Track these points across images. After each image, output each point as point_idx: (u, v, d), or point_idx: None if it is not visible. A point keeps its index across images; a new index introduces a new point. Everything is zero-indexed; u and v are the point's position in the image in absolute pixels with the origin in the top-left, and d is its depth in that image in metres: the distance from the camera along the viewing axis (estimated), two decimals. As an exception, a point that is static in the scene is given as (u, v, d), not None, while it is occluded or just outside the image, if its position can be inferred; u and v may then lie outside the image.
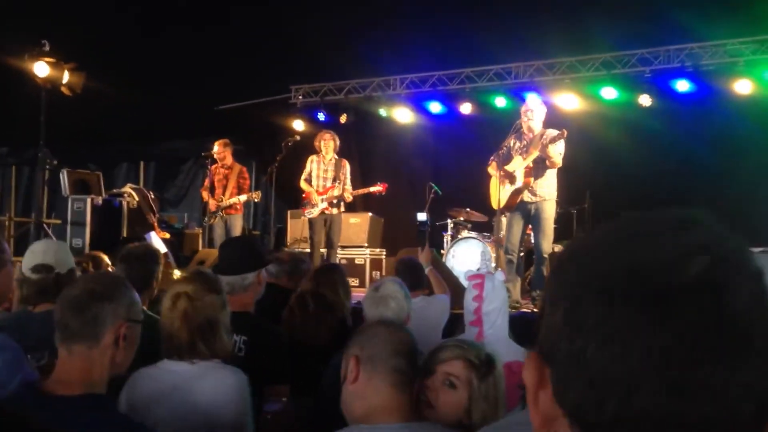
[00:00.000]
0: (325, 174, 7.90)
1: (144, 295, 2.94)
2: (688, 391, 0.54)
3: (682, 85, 8.40)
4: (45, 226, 8.26)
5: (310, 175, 7.94)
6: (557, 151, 6.26)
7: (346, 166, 7.94)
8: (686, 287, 0.55)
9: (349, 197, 7.88)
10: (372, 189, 8.17)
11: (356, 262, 9.17)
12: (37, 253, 2.82)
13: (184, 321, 2.28)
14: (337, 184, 7.80)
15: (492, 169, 6.68)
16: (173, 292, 2.36)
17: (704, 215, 0.62)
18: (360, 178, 10.61)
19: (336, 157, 7.95)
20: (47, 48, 8.26)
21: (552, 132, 6.34)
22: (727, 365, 0.54)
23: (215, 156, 8.35)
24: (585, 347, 0.56)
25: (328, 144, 7.87)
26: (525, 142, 6.46)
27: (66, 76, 8.46)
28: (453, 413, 1.91)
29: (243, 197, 8.19)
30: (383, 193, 8.16)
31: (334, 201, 7.80)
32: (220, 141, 8.45)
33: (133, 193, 8.83)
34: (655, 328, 0.54)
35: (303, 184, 7.96)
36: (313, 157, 7.99)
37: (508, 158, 6.58)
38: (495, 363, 1.99)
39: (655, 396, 0.54)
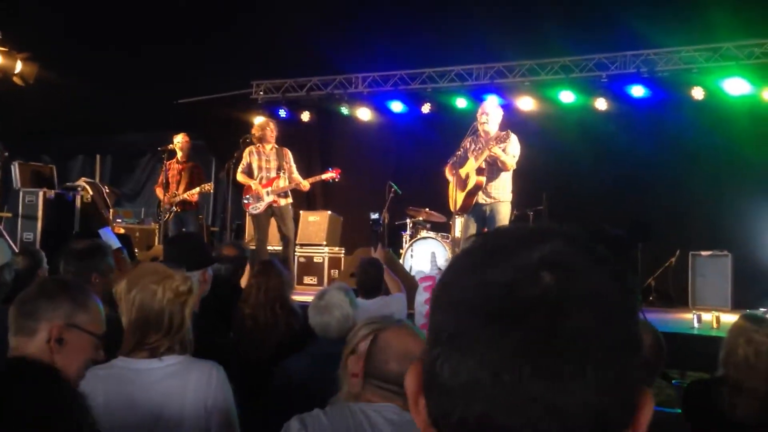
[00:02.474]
0: (267, 164, 7.43)
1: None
2: (521, 407, 0.56)
3: (638, 90, 8.56)
4: (-6, 219, 8.07)
5: (249, 167, 7.46)
6: (510, 153, 6.32)
7: (289, 154, 7.51)
8: (525, 305, 0.57)
9: (306, 185, 7.46)
10: (324, 176, 7.74)
11: (315, 260, 9.14)
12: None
13: (141, 315, 2.21)
14: (282, 174, 7.40)
15: (448, 172, 6.73)
16: (129, 285, 2.29)
17: (561, 228, 0.64)
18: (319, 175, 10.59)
19: (276, 145, 7.51)
20: (-1, 37, 8.07)
21: (501, 133, 6.41)
22: (560, 383, 0.55)
23: (177, 148, 8.23)
24: (436, 358, 0.60)
25: (268, 134, 7.42)
26: (480, 144, 6.52)
27: (18, 66, 8.27)
28: None
29: (195, 191, 8.08)
30: (337, 179, 7.75)
31: (283, 192, 7.41)
32: (182, 134, 8.34)
33: (88, 187, 8.65)
34: (494, 343, 0.57)
35: (240, 177, 7.46)
36: (251, 149, 7.49)
37: (464, 160, 6.63)
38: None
39: (492, 408, 0.56)
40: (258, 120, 8.02)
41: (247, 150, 7.55)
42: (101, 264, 3.22)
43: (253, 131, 7.62)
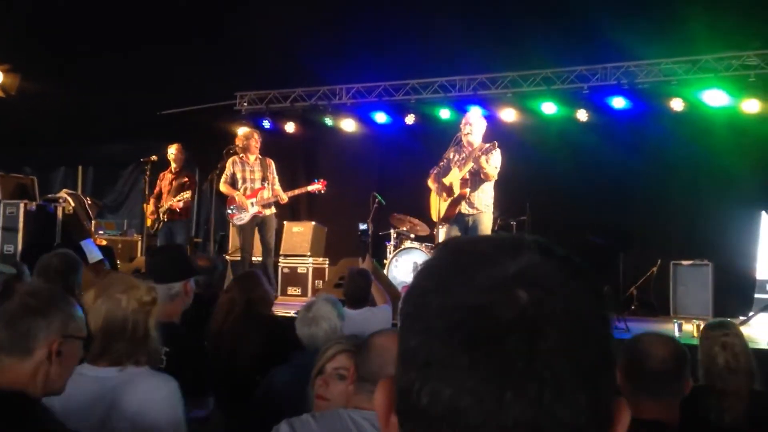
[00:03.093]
0: (251, 175, 7.46)
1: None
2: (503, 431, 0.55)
3: (618, 102, 8.65)
4: (-26, 231, 7.99)
5: (233, 177, 7.46)
6: (492, 164, 6.38)
7: (272, 165, 7.53)
8: (503, 329, 0.56)
9: (284, 198, 7.45)
10: (310, 188, 7.78)
11: (299, 271, 9.13)
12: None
13: (106, 323, 2.24)
14: (266, 185, 7.41)
15: (431, 182, 6.77)
16: (97, 294, 2.31)
17: (534, 240, 0.63)
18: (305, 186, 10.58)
19: (260, 156, 7.52)
20: (-20, 48, 8.03)
21: (486, 145, 6.47)
22: (541, 406, 0.55)
23: (170, 158, 8.19)
24: (412, 383, 0.59)
25: (252, 145, 7.43)
26: (464, 155, 6.57)
27: (0, 77, 8.23)
28: (345, 401, 2.07)
29: (176, 199, 8.03)
30: (322, 191, 7.80)
31: (267, 203, 7.42)
32: (176, 145, 8.31)
33: (69, 199, 8.59)
34: (473, 369, 0.56)
35: (224, 188, 7.46)
36: (235, 158, 7.50)
37: (447, 170, 6.68)
38: None
39: None
40: (242, 130, 8.00)
41: (230, 160, 7.53)
42: (76, 277, 3.22)
43: (237, 141, 7.61)
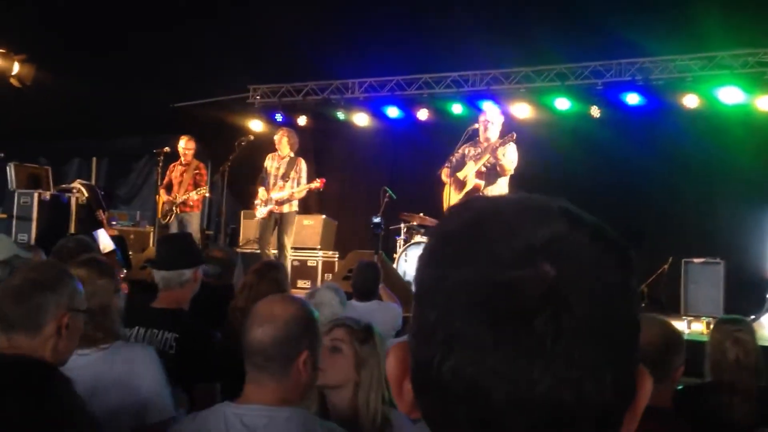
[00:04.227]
0: (277, 171, 7.73)
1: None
2: (529, 409, 0.55)
3: (632, 98, 8.60)
4: (-11, 220, 8.08)
5: (265, 172, 7.81)
6: (508, 158, 6.36)
7: (301, 164, 7.76)
8: (530, 305, 0.54)
9: (296, 195, 7.67)
10: (311, 186, 7.93)
11: (308, 264, 9.16)
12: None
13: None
14: (287, 183, 7.63)
15: (444, 176, 6.76)
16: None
17: (563, 206, 0.61)
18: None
19: (292, 155, 7.80)
20: (-4, 38, 8.09)
21: (503, 138, 6.46)
22: (568, 383, 0.54)
23: (181, 151, 8.25)
24: (432, 357, 0.57)
25: (281, 140, 7.75)
26: (479, 150, 6.55)
27: (16, 68, 8.30)
28: (342, 375, 2.12)
29: (192, 194, 8.10)
30: (321, 189, 7.97)
31: (283, 200, 7.62)
32: (186, 137, 8.36)
33: (83, 189, 8.67)
34: (499, 346, 0.54)
35: (258, 183, 7.85)
36: (272, 154, 7.87)
37: (461, 165, 6.67)
38: (373, 330, 2.23)
39: (499, 410, 0.55)
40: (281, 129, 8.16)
41: (269, 155, 7.87)
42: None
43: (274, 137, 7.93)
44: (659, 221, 8.60)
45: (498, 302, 0.55)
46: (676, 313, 7.64)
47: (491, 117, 6.67)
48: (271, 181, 7.71)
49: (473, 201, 0.64)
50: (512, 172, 6.49)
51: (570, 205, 0.62)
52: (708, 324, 5.95)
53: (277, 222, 7.65)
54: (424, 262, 0.61)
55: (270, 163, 7.80)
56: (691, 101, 8.37)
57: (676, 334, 2.27)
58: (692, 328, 6.09)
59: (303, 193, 7.80)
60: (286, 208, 7.63)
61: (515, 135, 6.43)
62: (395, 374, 0.63)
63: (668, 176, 8.64)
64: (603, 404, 0.56)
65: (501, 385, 0.54)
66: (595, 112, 8.78)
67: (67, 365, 2.17)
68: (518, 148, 6.62)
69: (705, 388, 2.78)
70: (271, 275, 3.66)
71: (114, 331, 2.32)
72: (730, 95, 8.14)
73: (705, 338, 5.50)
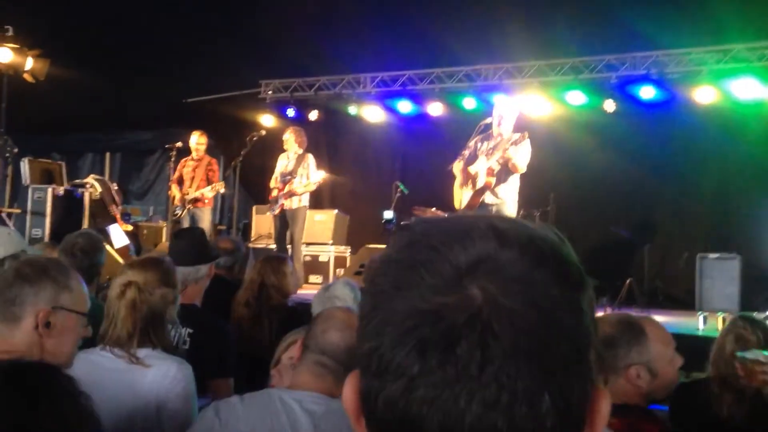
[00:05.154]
0: (285, 169, 7.84)
1: (90, 287, 2.90)
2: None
3: (647, 92, 8.50)
4: (3, 215, 8.13)
5: (277, 171, 7.92)
6: (521, 156, 6.30)
7: (307, 159, 7.83)
8: (455, 332, 0.53)
9: (300, 190, 7.70)
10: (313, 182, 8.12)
11: (320, 259, 9.16)
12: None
13: (131, 311, 2.26)
14: (296, 179, 7.71)
15: (456, 169, 6.72)
16: (124, 280, 2.32)
17: (492, 222, 0.59)
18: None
19: (300, 151, 7.86)
20: (10, 33, 8.13)
21: (516, 135, 6.40)
22: (497, 410, 0.53)
23: (193, 146, 8.27)
24: (369, 388, 0.57)
25: (288, 139, 7.86)
26: (492, 144, 6.50)
27: (29, 63, 8.33)
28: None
29: (207, 189, 8.11)
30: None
31: (292, 195, 7.71)
32: (198, 132, 8.38)
33: (96, 184, 8.70)
34: (426, 375, 0.54)
35: (272, 182, 7.96)
36: (284, 153, 7.97)
37: (473, 159, 6.62)
38: None
39: None
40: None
41: (281, 155, 7.99)
42: (101, 258, 3.25)
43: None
44: (674, 216, 8.53)
45: (423, 331, 0.54)
46: (691, 309, 7.57)
47: (505, 110, 6.60)
48: (280, 179, 7.81)
49: (413, 224, 0.63)
50: (524, 170, 6.43)
51: (500, 220, 0.59)
52: (724, 320, 5.89)
53: (288, 218, 7.72)
54: (364, 289, 0.61)
55: (280, 162, 7.93)
56: (706, 95, 8.27)
57: (631, 326, 2.17)
58: (708, 324, 6.03)
59: (312, 188, 7.82)
60: (295, 204, 7.69)
61: (527, 134, 6.37)
62: (352, 404, 0.62)
63: (683, 171, 8.56)
64: (544, 430, 0.53)
65: (433, 415, 0.53)
66: (609, 106, 8.70)
67: (96, 366, 2.16)
68: (531, 142, 6.56)
69: (699, 383, 2.77)
70: (275, 269, 3.66)
71: (158, 342, 2.29)
72: (747, 89, 8.05)
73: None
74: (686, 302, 7.86)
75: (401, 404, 0.54)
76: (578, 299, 0.57)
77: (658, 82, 8.48)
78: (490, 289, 0.54)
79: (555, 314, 0.55)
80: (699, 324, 6.01)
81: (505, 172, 6.40)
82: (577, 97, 8.92)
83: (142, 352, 2.23)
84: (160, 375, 2.19)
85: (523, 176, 6.64)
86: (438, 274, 0.55)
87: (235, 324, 3.46)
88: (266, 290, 3.51)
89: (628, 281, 7.57)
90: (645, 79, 8.48)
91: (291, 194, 7.69)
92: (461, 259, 0.56)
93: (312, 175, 7.78)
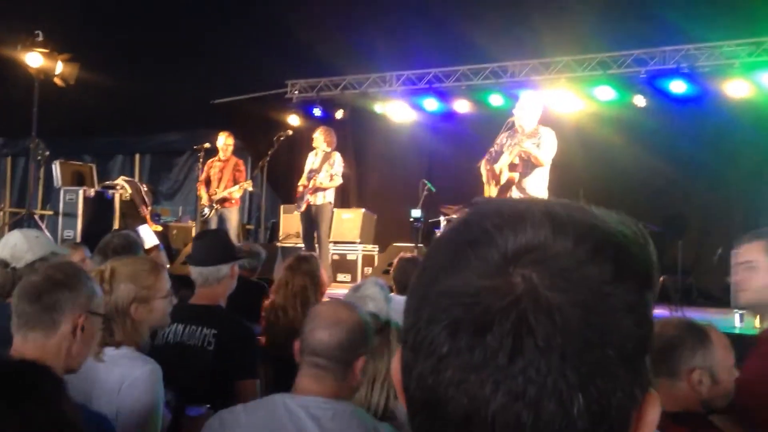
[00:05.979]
0: (312, 166, 7.90)
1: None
2: (485, 419, 0.52)
3: (678, 86, 8.35)
4: (36, 217, 8.27)
5: (305, 169, 7.98)
6: (543, 148, 6.20)
7: (333, 156, 7.85)
8: (490, 317, 0.52)
9: (326, 183, 7.74)
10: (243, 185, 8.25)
11: (348, 258, 9.15)
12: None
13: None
14: (320, 175, 7.75)
15: (482, 167, 6.66)
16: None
17: (552, 208, 0.56)
18: (355, 175, 10.60)
19: (328, 150, 7.90)
20: (41, 38, 8.25)
21: (533, 129, 6.32)
22: (522, 402, 0.51)
23: (221, 147, 8.34)
24: (405, 364, 0.57)
25: (317, 138, 7.90)
26: (516, 140, 6.43)
27: (60, 67, 8.46)
28: None
29: (235, 188, 8.16)
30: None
31: (317, 192, 7.76)
32: (226, 133, 8.44)
33: (126, 186, 8.82)
34: (457, 355, 0.53)
35: (301, 179, 8.03)
36: (312, 152, 8.04)
37: (500, 155, 6.55)
38: (389, 323, 2.21)
39: (456, 420, 0.53)
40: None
41: (310, 153, 8.06)
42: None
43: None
44: (708, 212, 8.37)
45: (457, 311, 0.53)
46: (727, 306, 7.41)
47: (525, 104, 6.50)
48: (307, 176, 7.88)
49: (475, 202, 0.62)
50: (548, 163, 6.30)
51: (561, 206, 0.57)
52: (760, 317, 5.75)
53: (312, 215, 7.76)
54: (419, 266, 0.60)
55: (308, 161, 7.99)
56: (738, 89, 8.10)
57: (693, 331, 2.10)
58: (744, 321, 5.89)
59: (338, 182, 7.87)
60: (320, 200, 7.74)
61: (540, 126, 6.29)
62: (396, 378, 0.61)
63: (715, 165, 8.39)
64: (573, 431, 0.51)
65: (459, 399, 0.52)
66: (639, 101, 8.56)
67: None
68: (561, 140, 6.45)
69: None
70: (303, 268, 3.66)
71: (129, 336, 2.26)
72: (780, 81, 7.86)
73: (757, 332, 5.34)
74: (721, 299, 7.70)
75: (430, 382, 0.54)
76: (638, 301, 0.54)
77: (689, 76, 8.32)
78: (533, 279, 0.52)
79: (605, 315, 0.52)
80: (735, 321, 5.87)
81: (529, 166, 6.32)
82: (606, 93, 8.79)
83: (110, 351, 2.17)
84: (123, 373, 2.14)
85: (552, 172, 6.54)
86: (484, 259, 0.54)
87: (266, 321, 3.47)
88: (304, 292, 3.51)
89: (661, 279, 7.44)
90: (675, 73, 8.33)
91: (316, 189, 7.74)
92: (509, 245, 0.54)
93: (338, 172, 7.82)
